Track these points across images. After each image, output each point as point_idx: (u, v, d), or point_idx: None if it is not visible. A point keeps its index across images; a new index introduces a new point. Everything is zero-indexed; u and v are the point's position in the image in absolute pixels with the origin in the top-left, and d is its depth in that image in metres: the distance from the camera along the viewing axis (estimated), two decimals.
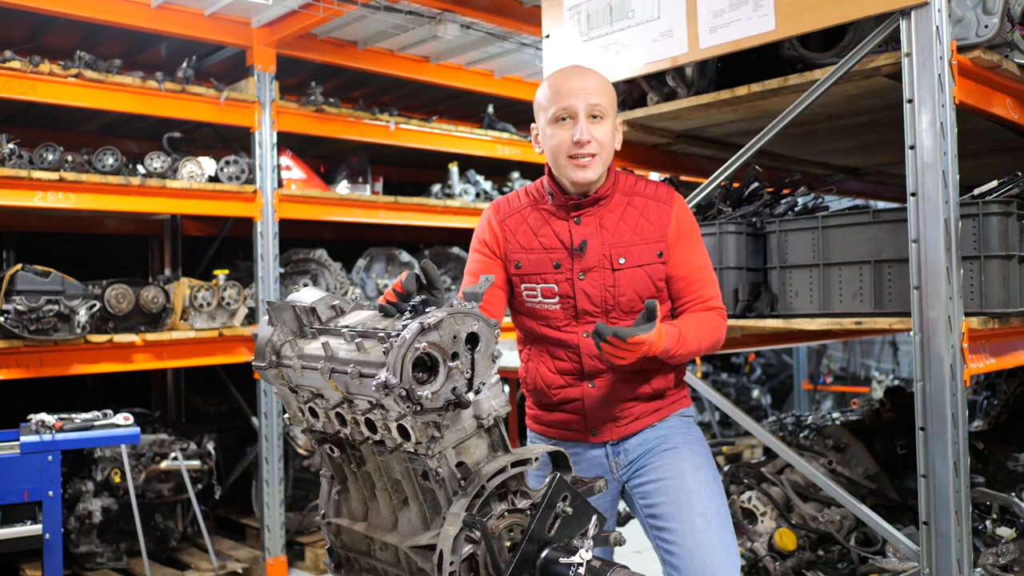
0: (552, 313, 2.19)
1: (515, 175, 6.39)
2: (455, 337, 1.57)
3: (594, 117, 2.12)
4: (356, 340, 1.66)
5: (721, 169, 2.89)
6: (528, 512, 1.64)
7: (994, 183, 2.78)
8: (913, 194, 2.40)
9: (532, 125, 2.27)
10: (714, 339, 2.19)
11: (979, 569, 2.91)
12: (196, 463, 4.64)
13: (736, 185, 3.29)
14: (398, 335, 1.52)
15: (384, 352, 1.53)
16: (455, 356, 1.57)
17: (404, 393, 1.50)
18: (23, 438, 3.28)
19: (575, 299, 2.15)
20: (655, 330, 1.93)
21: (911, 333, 2.43)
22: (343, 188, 5.51)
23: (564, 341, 2.19)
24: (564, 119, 2.12)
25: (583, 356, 2.17)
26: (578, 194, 2.17)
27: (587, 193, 2.16)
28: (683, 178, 3.70)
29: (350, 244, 6.04)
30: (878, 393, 7.28)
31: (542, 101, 2.19)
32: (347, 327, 1.74)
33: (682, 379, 2.33)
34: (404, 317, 1.63)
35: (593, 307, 2.15)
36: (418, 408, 1.52)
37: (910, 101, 2.40)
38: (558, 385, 2.22)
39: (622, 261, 2.14)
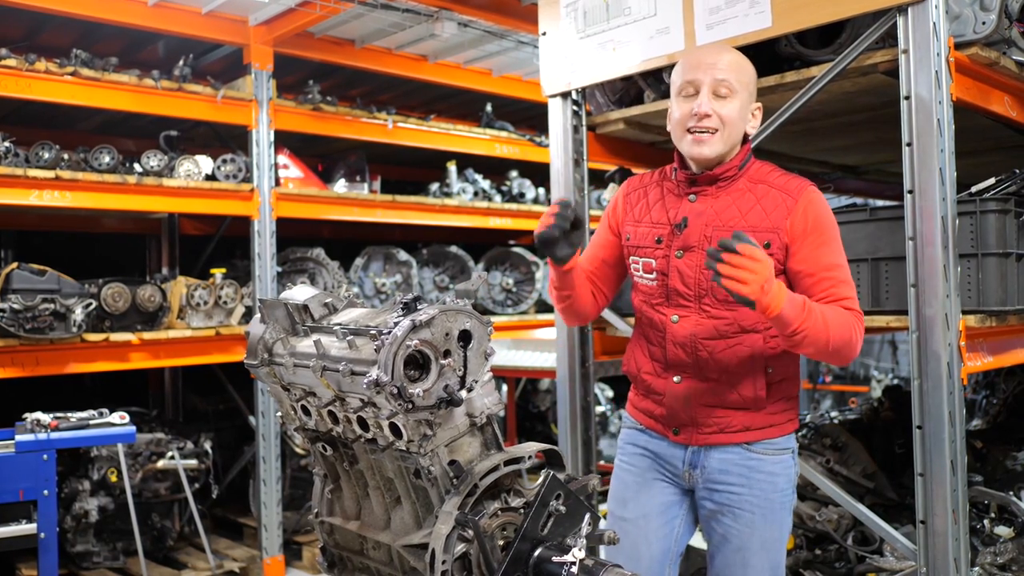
0: (649, 289, 2.16)
1: (513, 174, 6.37)
2: (447, 334, 1.56)
3: (719, 94, 2.04)
4: (348, 338, 1.65)
5: None
6: (521, 510, 1.63)
7: (991, 180, 2.77)
8: (910, 191, 2.39)
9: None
10: (845, 336, 1.94)
11: (977, 568, 2.90)
12: (193, 462, 4.62)
13: None
14: (389, 332, 1.51)
15: (376, 350, 1.52)
16: (447, 354, 1.56)
17: (395, 391, 1.48)
18: (18, 437, 3.27)
19: (668, 277, 2.10)
20: (773, 277, 1.80)
21: (908, 331, 2.42)
22: (341, 187, 5.50)
23: (656, 323, 2.14)
24: (689, 94, 2.08)
25: (667, 342, 2.11)
26: (698, 170, 2.12)
27: (706, 171, 2.10)
28: None
29: (348, 243, 6.02)
30: (877, 392, 7.27)
31: (673, 77, 2.14)
32: (339, 324, 1.73)
33: (783, 397, 2.13)
34: (396, 314, 1.62)
35: (686, 289, 2.08)
36: (410, 406, 1.51)
37: (907, 98, 2.39)
38: (647, 371, 2.19)
39: None
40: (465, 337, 1.58)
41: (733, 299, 1.85)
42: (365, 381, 1.50)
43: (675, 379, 2.13)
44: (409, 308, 1.60)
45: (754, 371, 2.08)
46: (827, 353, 1.96)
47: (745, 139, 2.14)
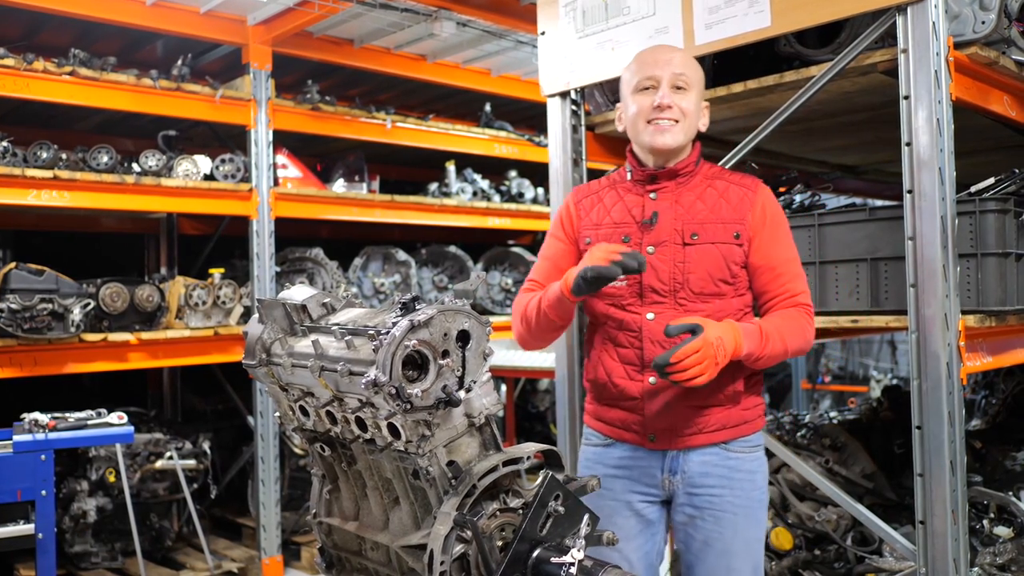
0: (618, 291, 2.12)
1: (512, 173, 6.37)
2: (446, 335, 1.55)
3: (678, 88, 2.10)
4: (346, 338, 1.64)
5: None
6: (520, 511, 1.63)
7: (991, 180, 2.77)
8: (909, 191, 2.39)
9: (617, 105, 2.26)
10: (801, 341, 2.08)
11: (976, 569, 2.90)
12: (192, 462, 4.62)
13: None
14: (388, 332, 1.51)
15: (374, 350, 1.52)
16: (446, 354, 1.55)
17: (394, 391, 1.48)
18: (16, 437, 3.27)
19: (642, 275, 2.09)
20: (705, 337, 1.89)
21: (908, 331, 2.41)
22: (340, 187, 5.50)
23: (627, 323, 2.11)
24: (647, 88, 2.12)
25: (644, 340, 2.09)
26: (656, 166, 2.14)
27: (666, 165, 2.13)
28: None
29: (347, 243, 6.02)
30: (876, 392, 7.28)
31: (627, 76, 2.18)
32: (337, 324, 1.73)
33: (755, 391, 2.20)
34: (394, 314, 1.61)
35: (660, 284, 2.08)
36: (408, 406, 1.50)
37: (907, 98, 2.38)
38: (619, 375, 2.14)
39: (694, 237, 2.08)
40: (464, 337, 1.57)
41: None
42: (363, 381, 1.49)
43: (651, 380, 2.10)
44: (407, 308, 1.59)
45: (732, 365, 2.08)
46: (783, 359, 2.11)
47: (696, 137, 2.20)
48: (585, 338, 2.30)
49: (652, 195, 2.14)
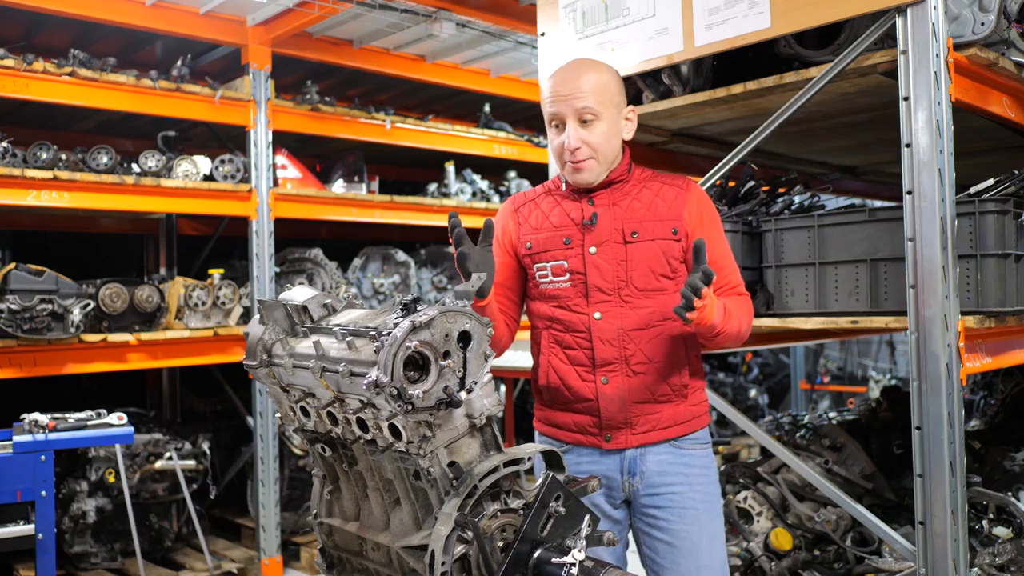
0: (563, 292, 2.14)
1: (511, 174, 6.37)
2: (447, 335, 1.55)
3: (585, 121, 2.09)
4: (347, 339, 1.64)
5: (717, 167, 2.87)
6: (521, 512, 1.63)
7: (990, 181, 2.77)
8: (909, 192, 2.39)
9: None
10: (748, 323, 2.15)
11: (975, 569, 2.90)
12: (191, 463, 4.62)
13: (732, 184, 3.28)
14: (389, 333, 1.51)
15: (375, 351, 1.52)
16: (447, 355, 1.55)
17: (395, 392, 1.48)
18: (16, 438, 3.26)
19: (586, 275, 2.11)
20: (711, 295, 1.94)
21: (907, 332, 2.42)
22: (339, 187, 5.50)
23: (575, 324, 2.13)
24: (557, 124, 2.14)
25: (594, 340, 2.10)
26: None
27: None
28: None
29: (346, 243, 6.02)
30: (875, 393, 7.28)
31: (542, 102, 2.20)
32: (339, 325, 1.73)
33: (700, 387, 2.23)
34: (396, 315, 1.61)
35: (605, 283, 2.11)
36: (409, 407, 1.50)
37: (906, 99, 2.38)
38: (572, 378, 2.14)
39: (635, 235, 2.11)
40: (465, 338, 1.58)
41: (684, 322, 1.97)
42: (365, 382, 1.49)
43: (603, 380, 2.12)
44: (409, 309, 1.59)
45: (678, 358, 2.14)
46: (733, 341, 2.13)
47: (625, 144, 2.21)
48: (532, 346, 2.29)
49: (589, 201, 2.17)
